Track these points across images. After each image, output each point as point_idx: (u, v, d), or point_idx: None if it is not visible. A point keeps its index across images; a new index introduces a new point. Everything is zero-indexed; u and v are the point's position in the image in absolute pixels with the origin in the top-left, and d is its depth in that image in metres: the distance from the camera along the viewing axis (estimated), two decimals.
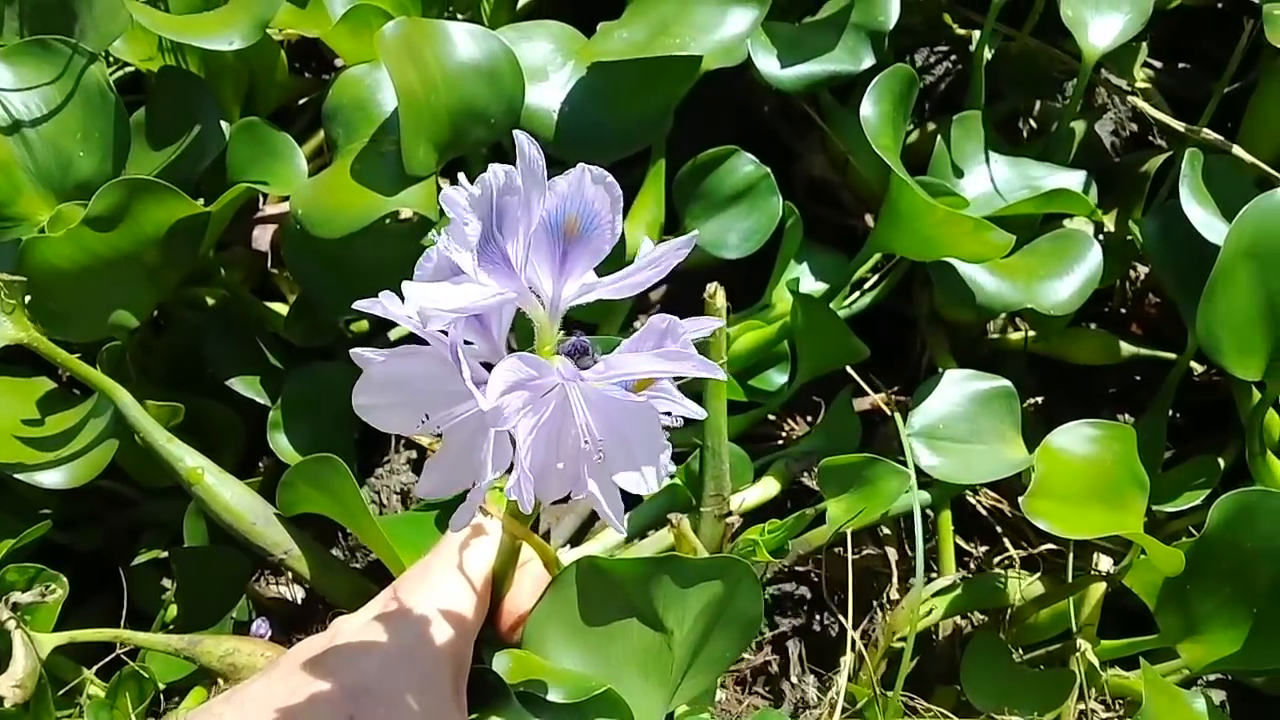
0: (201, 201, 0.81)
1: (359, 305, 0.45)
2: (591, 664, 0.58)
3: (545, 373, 0.43)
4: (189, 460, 0.80)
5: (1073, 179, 0.93)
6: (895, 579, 0.81)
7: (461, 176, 0.44)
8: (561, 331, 0.45)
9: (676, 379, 0.45)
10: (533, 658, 0.56)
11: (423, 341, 0.46)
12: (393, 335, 0.97)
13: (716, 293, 0.84)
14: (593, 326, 0.89)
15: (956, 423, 0.82)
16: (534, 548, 0.60)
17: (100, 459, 0.82)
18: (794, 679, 0.79)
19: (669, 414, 0.46)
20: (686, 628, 0.59)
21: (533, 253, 0.44)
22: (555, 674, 0.55)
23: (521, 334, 0.47)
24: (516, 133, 0.43)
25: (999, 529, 0.91)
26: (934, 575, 0.84)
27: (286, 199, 0.91)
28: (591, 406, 0.44)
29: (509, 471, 0.45)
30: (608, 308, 0.91)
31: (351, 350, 0.46)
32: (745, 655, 0.79)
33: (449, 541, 0.58)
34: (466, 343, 0.46)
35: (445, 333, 0.44)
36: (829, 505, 0.78)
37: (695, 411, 0.45)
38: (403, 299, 0.43)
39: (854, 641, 0.71)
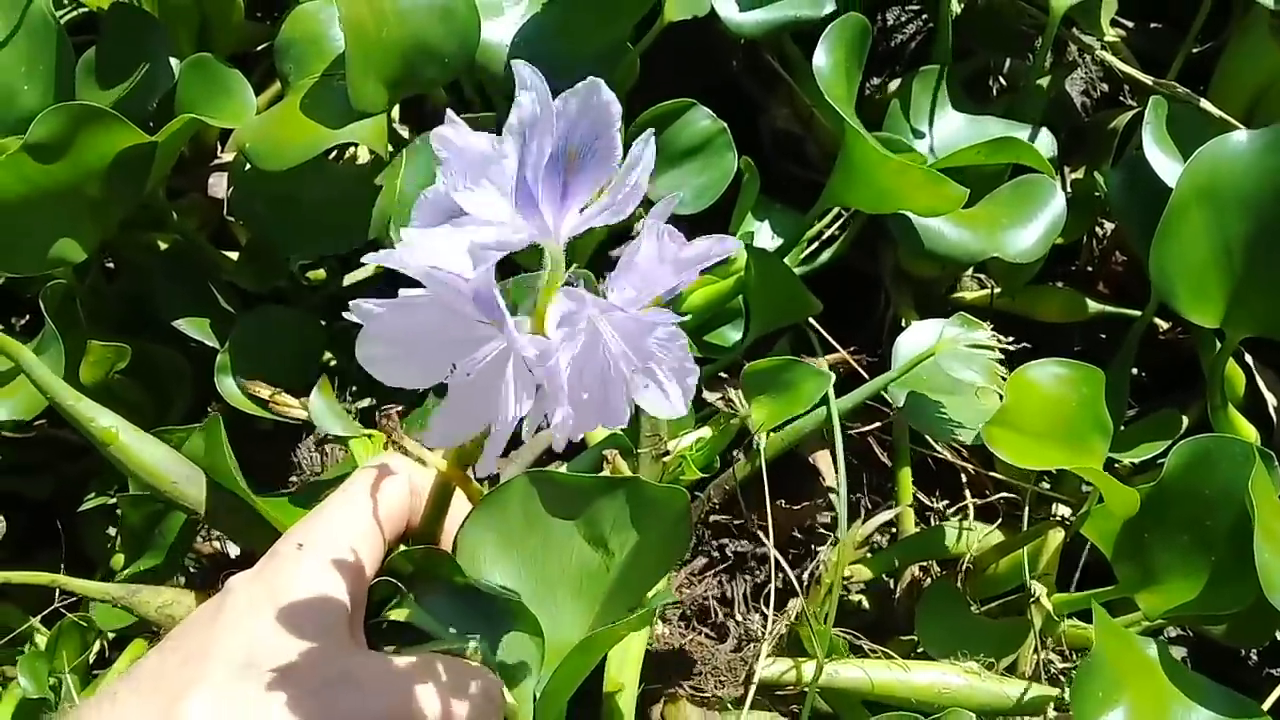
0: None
1: (369, 259, 0.40)
2: (523, 579, 0.56)
3: (585, 305, 0.41)
4: (101, 419, 0.74)
5: (1031, 134, 0.92)
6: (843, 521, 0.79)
7: (449, 113, 0.41)
8: (575, 266, 0.43)
9: None
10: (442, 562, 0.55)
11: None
12: (348, 280, 0.95)
13: None
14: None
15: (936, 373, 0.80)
16: (468, 494, 0.58)
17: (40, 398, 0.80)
18: (739, 616, 0.78)
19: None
20: (628, 550, 0.58)
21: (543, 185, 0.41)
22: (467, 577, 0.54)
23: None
24: (516, 63, 0.40)
25: (963, 480, 0.90)
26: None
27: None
28: (620, 334, 0.42)
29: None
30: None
31: (352, 303, 0.42)
32: (686, 590, 0.78)
33: (351, 482, 0.56)
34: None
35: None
36: (753, 410, 0.77)
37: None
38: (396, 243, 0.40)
39: (777, 562, 0.70)
